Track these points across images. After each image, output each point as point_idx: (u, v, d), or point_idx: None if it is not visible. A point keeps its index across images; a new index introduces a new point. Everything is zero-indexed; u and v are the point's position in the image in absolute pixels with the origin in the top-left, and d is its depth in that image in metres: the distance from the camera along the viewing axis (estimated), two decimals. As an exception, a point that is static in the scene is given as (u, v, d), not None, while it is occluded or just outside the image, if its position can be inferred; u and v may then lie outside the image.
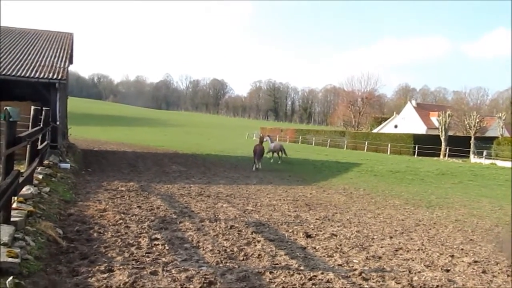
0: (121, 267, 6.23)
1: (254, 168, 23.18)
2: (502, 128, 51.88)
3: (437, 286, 6.53)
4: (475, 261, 8.04)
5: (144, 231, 8.35)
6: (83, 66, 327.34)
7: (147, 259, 6.71)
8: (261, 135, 30.67)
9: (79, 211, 9.65)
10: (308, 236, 8.99)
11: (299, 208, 12.31)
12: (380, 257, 7.82)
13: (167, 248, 7.35)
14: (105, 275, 5.88)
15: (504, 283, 6.95)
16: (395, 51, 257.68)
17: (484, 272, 7.41)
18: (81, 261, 6.37)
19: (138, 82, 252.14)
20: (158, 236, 8.09)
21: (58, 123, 18.27)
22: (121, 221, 9.04)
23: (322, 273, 6.61)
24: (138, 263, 6.50)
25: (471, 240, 9.91)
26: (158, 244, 7.52)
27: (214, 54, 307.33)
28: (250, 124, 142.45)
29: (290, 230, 9.38)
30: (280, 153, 29.22)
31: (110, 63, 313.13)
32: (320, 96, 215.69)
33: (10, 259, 5.33)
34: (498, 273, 7.44)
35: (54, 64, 19.47)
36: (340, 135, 61.18)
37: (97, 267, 6.16)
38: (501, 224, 12.02)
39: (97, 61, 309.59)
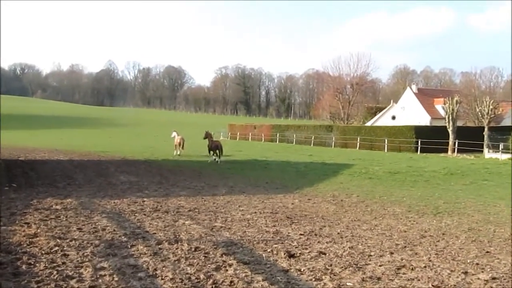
0: (58, 306, 6.14)
1: (216, 160, 30.56)
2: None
3: (449, 309, 6.66)
4: (493, 278, 8.21)
5: (87, 260, 8.25)
6: (0, 54, 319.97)
7: (92, 294, 6.64)
8: (206, 132, 34.60)
9: (2, 238, 9.47)
10: (291, 255, 9.05)
11: (279, 222, 12.38)
12: (379, 278, 7.92)
13: (116, 279, 7.28)
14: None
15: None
16: (389, 26, 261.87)
17: (503, 290, 7.60)
18: (7, 301, 6.25)
19: (73, 73, 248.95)
20: (105, 264, 8.00)
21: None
22: (56, 248, 8.91)
23: (310, 301, 6.66)
24: (80, 299, 6.41)
25: (487, 252, 10.14)
26: (105, 275, 7.44)
27: (167, 35, 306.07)
28: (216, 120, 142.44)
29: (268, 250, 9.42)
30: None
31: (36, 49, 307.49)
32: (301, 83, 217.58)
33: None
34: (520, 290, 7.63)
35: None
36: (326, 130, 61.71)
37: (28, 307, 6.05)
38: (522, 231, 12.35)
39: (19, 47, 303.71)
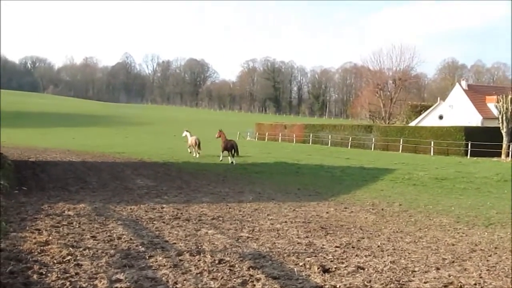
0: (71, 320, 6.23)
1: (231, 162, 32.33)
2: None
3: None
4: (553, 298, 8.07)
5: (102, 271, 8.34)
6: (10, 47, 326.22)
7: (107, 308, 6.72)
8: (220, 130, 35.81)
9: (12, 246, 9.64)
10: (326, 270, 9.02)
11: (312, 233, 12.35)
12: (423, 297, 7.84)
13: (133, 292, 7.36)
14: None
15: None
16: (436, 15, 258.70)
17: None
18: (17, 314, 6.37)
19: (86, 67, 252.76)
20: (121, 276, 8.08)
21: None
22: (69, 257, 9.03)
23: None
24: (94, 314, 6.50)
25: (546, 269, 9.95)
26: (121, 288, 7.53)
27: (189, 25, 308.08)
28: (242, 119, 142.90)
29: (300, 263, 9.40)
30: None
31: (47, 41, 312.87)
32: (337, 78, 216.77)
33: None
34: None
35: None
36: (365, 131, 61.36)
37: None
38: None
39: (30, 39, 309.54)
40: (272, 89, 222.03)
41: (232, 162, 32.72)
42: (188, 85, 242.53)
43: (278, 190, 20.76)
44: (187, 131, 40.13)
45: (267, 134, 77.25)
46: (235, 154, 33.29)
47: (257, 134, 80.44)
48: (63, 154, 36.00)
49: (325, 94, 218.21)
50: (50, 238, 10.42)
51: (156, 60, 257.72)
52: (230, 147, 33.24)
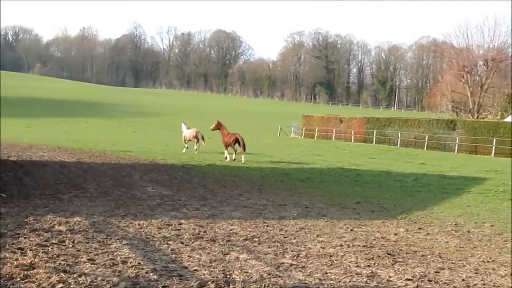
0: None
1: (229, 159, 34.68)
2: None
3: None
4: None
5: (102, 304, 8.42)
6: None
7: None
8: (217, 122, 37.65)
9: (-12, 269, 9.78)
10: (393, 310, 8.96)
11: (376, 261, 12.28)
12: None
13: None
14: None
15: None
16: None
17: None
18: None
19: (83, 40, 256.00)
20: (127, 312, 8.15)
21: None
22: (60, 285, 9.13)
23: None
24: None
25: None
26: (126, 327, 7.59)
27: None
28: (284, 109, 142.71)
29: (360, 301, 9.36)
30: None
31: (34, 7, 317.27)
32: (410, 58, 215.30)
33: None
34: None
35: None
36: (447, 127, 60.79)
37: None
38: None
39: (11, 5, 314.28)
40: (324, 71, 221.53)
41: (234, 159, 34.65)
42: (214, 64, 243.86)
43: (331, 204, 20.65)
44: (184, 123, 42.76)
45: (317, 129, 77.13)
46: (243, 150, 34.87)
47: (303, 130, 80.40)
48: (53, 152, 36.40)
49: (394, 78, 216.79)
50: (36, 260, 10.54)
51: (173, 32, 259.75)
52: (234, 141, 34.93)
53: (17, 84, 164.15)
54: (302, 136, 77.93)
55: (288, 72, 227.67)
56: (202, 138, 40.39)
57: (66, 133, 64.13)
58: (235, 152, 35.27)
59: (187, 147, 40.45)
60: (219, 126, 36.87)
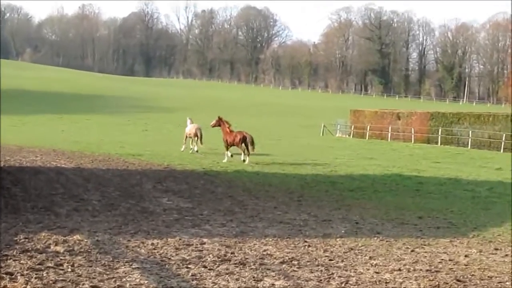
0: None
1: (227, 158, 36.23)
2: None
3: None
4: None
5: None
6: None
7: None
8: (218, 117, 39.09)
9: (-30, 298, 9.86)
10: None
11: (444, 289, 12.20)
12: None
13: None
14: None
15: None
16: None
17: None
18: None
19: (83, 20, 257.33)
20: None
21: None
22: (58, 319, 9.17)
23: None
24: None
25: None
26: None
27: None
28: (328, 103, 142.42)
29: None
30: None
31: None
32: (483, 38, 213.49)
33: None
34: None
35: None
36: (529, 124, 60.19)
37: None
38: None
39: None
40: (377, 56, 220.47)
41: (244, 161, 35.60)
42: (242, 48, 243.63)
43: (387, 219, 20.58)
44: (190, 119, 44.87)
45: (368, 127, 76.81)
46: (248, 151, 35.94)
47: (352, 128, 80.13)
48: (47, 156, 36.58)
49: (463, 64, 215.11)
50: (29, 287, 10.60)
51: (192, 9, 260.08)
52: (240, 140, 35.88)
53: (2, 74, 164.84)
54: (351, 136, 77.71)
55: (333, 58, 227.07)
56: (201, 136, 41.89)
57: (63, 132, 64.44)
58: (243, 153, 36.12)
59: (185, 148, 42.63)
60: (219, 123, 38.09)
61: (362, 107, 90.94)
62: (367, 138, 73.94)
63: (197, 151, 41.51)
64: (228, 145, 36.67)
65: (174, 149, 44.58)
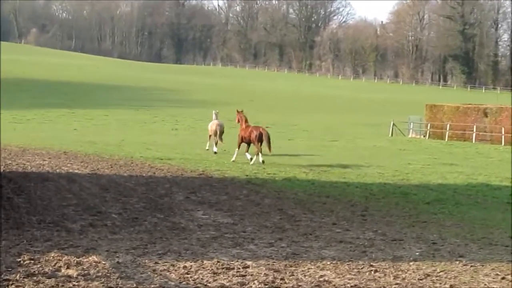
0: None
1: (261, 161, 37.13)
2: None
3: None
4: None
5: None
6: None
7: None
8: (238, 112, 40.59)
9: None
10: None
11: (542, 326, 12.13)
12: None
13: None
14: None
15: None
16: None
17: None
18: None
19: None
20: None
21: None
22: None
23: None
24: None
25: None
26: None
27: None
28: (398, 96, 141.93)
29: None
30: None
31: None
32: None
33: None
34: None
35: None
36: None
37: None
38: None
39: None
40: (459, 39, 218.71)
41: (262, 162, 36.73)
42: (294, 29, 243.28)
43: (471, 239, 20.47)
44: (215, 113, 45.79)
45: (448, 126, 76.44)
46: (261, 149, 37.17)
47: (428, 127, 79.78)
48: (56, 159, 36.82)
49: None
50: (35, 319, 10.69)
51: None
52: (257, 138, 36.80)
53: (4, 59, 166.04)
54: (426, 137, 77.38)
55: (405, 41, 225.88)
56: (221, 133, 42.70)
57: (75, 131, 64.85)
58: (260, 152, 37.06)
59: (209, 144, 43.81)
60: (240, 118, 39.43)
61: (440, 102, 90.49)
62: (446, 139, 73.63)
63: (215, 152, 42.27)
64: (242, 142, 38.00)
65: (211, 152, 44.64)
